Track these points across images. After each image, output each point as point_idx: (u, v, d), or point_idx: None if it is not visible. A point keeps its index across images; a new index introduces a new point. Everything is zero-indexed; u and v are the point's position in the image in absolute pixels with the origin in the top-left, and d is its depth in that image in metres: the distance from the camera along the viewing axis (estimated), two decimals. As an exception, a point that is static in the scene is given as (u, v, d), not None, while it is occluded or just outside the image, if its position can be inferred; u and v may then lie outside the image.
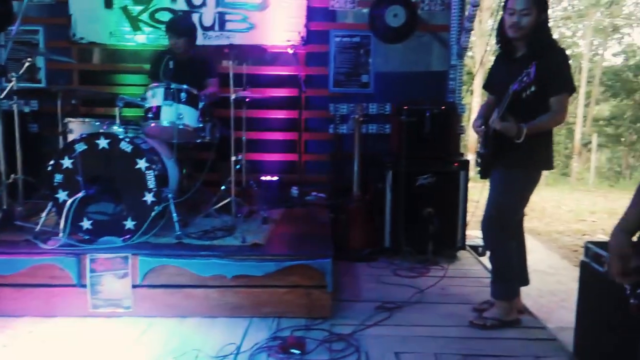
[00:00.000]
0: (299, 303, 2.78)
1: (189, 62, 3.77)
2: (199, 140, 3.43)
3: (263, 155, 4.66)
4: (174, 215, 2.98)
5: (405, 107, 3.94)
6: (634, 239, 1.31)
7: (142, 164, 2.91)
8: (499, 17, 2.67)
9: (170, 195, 3.00)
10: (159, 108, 3.12)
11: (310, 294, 2.78)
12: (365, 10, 4.57)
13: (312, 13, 4.53)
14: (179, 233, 2.93)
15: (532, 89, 2.30)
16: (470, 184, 3.96)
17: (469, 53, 14.30)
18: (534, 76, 2.24)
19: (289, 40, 4.31)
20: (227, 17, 4.44)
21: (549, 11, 2.65)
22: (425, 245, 3.85)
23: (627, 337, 1.85)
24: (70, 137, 3.29)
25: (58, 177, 2.92)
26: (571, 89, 2.51)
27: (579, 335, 2.44)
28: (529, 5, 2.45)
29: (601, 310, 2.20)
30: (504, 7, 2.56)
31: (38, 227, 2.91)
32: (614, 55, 19.25)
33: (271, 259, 2.76)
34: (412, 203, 3.90)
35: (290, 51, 4.14)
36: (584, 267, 2.38)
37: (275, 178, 4.34)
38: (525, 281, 2.91)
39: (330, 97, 4.59)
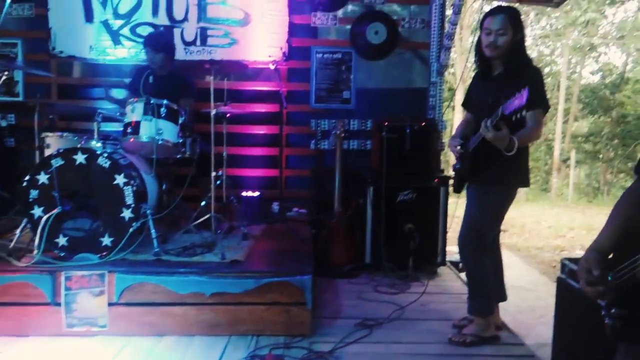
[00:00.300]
0: (278, 320, 2.75)
1: (169, 78, 3.76)
2: (179, 156, 3.40)
3: (244, 171, 4.65)
4: (153, 231, 2.94)
5: (386, 124, 3.98)
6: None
7: (120, 179, 2.88)
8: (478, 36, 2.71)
9: (148, 211, 2.97)
10: (138, 123, 3.10)
11: (290, 311, 2.76)
12: (347, 27, 4.62)
13: (294, 29, 4.57)
14: (157, 250, 2.90)
15: (523, 113, 2.31)
16: (450, 200, 3.99)
17: (451, 70, 14.51)
18: (526, 100, 2.24)
19: (270, 56, 4.33)
20: (209, 32, 4.45)
21: (528, 30, 2.70)
22: (405, 261, 3.85)
23: (603, 354, 1.86)
24: (47, 152, 3.25)
25: (34, 193, 2.87)
26: (546, 106, 2.55)
27: (556, 352, 2.45)
28: (505, 25, 2.51)
29: (577, 326, 2.22)
30: (481, 27, 2.62)
31: (12, 244, 2.84)
32: (591, 73, 19.71)
33: (250, 276, 2.74)
34: (392, 219, 3.91)
35: (272, 67, 4.15)
36: (560, 283, 2.40)
37: (256, 194, 4.32)
38: (502, 297, 2.92)
39: (312, 113, 4.61)
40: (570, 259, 2.37)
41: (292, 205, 4.51)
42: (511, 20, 2.52)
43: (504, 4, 5.25)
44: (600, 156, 17.53)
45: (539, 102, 2.52)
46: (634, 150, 15.48)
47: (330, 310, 3.20)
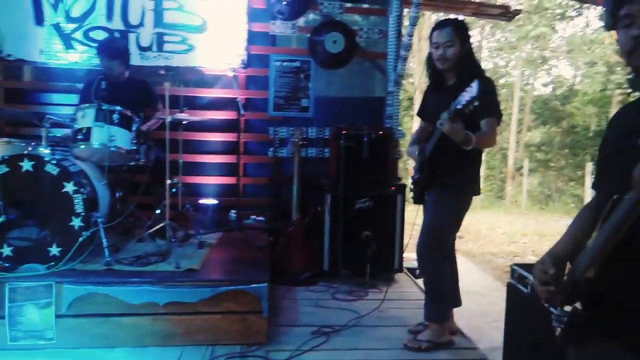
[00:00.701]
0: (234, 329, 2.73)
1: (125, 84, 3.67)
2: (132, 163, 3.33)
3: (201, 179, 4.57)
4: (104, 240, 2.86)
5: (344, 132, 4.01)
6: None
7: (69, 187, 2.79)
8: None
9: (100, 220, 2.89)
10: (89, 129, 3.02)
11: (246, 319, 2.74)
12: (306, 36, 4.63)
13: (253, 37, 4.54)
14: (108, 259, 2.82)
15: (476, 103, 2.35)
16: (408, 208, 4.05)
17: (410, 79, 14.78)
18: (477, 91, 2.30)
19: (229, 63, 4.30)
20: (166, 37, 4.37)
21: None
22: (363, 268, 3.88)
23: (552, 356, 1.92)
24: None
25: (-24, 202, 2.75)
26: (499, 115, 2.63)
27: (507, 355, 2.52)
28: (451, 38, 2.58)
29: (527, 329, 2.28)
30: (430, 42, 2.68)
31: (-48, 255, 2.72)
32: (543, 85, 20.47)
33: (205, 285, 2.71)
34: (350, 226, 3.94)
35: (231, 74, 4.12)
36: (510, 288, 2.47)
37: (213, 201, 4.27)
38: (457, 302, 2.98)
39: (270, 121, 4.59)
40: (519, 265, 2.45)
41: (250, 213, 4.47)
42: (457, 32, 2.59)
43: (460, 17, 5.40)
44: (552, 165, 18.17)
45: (493, 111, 2.59)
46: (583, 159, 16.11)
47: (288, 318, 3.19)
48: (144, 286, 2.64)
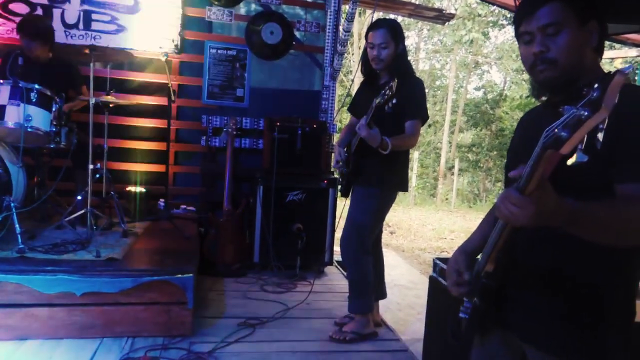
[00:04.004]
0: (157, 321, 2.66)
1: (47, 63, 3.45)
2: (52, 146, 3.14)
3: (128, 165, 4.38)
4: (17, 226, 2.69)
5: (278, 124, 3.99)
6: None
7: (-22, 168, 2.61)
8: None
9: (12, 204, 2.71)
10: (3, 107, 2.82)
11: (170, 311, 2.67)
12: (243, 25, 4.55)
13: (188, 22, 4.41)
14: (21, 246, 2.65)
15: (394, 100, 2.42)
16: (339, 201, 4.09)
17: (350, 76, 14.91)
18: (395, 89, 2.37)
19: (161, 47, 4.14)
20: (94, 16, 4.13)
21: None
22: (293, 260, 3.89)
23: (465, 346, 1.99)
24: None
25: None
26: (424, 116, 2.70)
27: (427, 345, 2.60)
28: (387, 39, 2.63)
29: (445, 320, 2.36)
30: (366, 41, 2.73)
31: None
32: (475, 89, 21.31)
33: (127, 275, 2.62)
34: (281, 218, 3.93)
35: (163, 58, 3.97)
36: (432, 281, 2.54)
37: (141, 189, 4.11)
38: (382, 295, 3.04)
39: (204, 109, 4.47)
40: (440, 259, 2.53)
41: (179, 202, 4.35)
42: (392, 33, 2.64)
43: (397, 16, 5.50)
44: (481, 165, 18.95)
45: (418, 113, 2.66)
46: (509, 162, 16.84)
47: (214, 309, 3.14)
48: (59, 275, 2.51)
